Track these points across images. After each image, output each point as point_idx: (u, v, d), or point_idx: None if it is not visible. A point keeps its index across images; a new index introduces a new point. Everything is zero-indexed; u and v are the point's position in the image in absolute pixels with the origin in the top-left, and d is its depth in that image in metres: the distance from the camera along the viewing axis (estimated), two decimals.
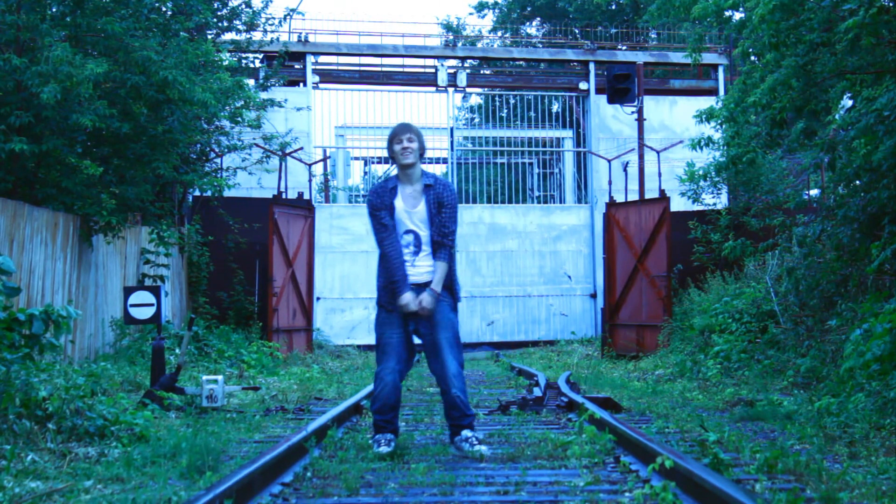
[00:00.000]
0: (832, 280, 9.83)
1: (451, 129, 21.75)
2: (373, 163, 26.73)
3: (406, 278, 5.72)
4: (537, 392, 8.81)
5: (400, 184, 5.86)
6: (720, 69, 21.78)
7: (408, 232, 5.79)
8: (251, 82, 16.88)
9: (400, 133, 5.84)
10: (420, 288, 5.73)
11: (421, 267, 5.78)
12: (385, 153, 24.61)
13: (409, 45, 21.67)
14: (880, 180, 8.87)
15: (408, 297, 5.69)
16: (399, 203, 5.80)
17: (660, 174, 17.62)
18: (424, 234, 5.79)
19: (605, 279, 16.39)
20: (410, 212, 5.80)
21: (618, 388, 10.09)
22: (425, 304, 5.67)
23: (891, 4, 8.08)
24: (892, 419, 6.11)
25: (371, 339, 21.03)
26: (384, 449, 5.53)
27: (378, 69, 21.79)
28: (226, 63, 14.14)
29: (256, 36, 16.97)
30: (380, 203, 5.80)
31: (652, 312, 15.08)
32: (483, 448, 5.59)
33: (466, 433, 5.66)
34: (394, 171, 5.99)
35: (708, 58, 20.89)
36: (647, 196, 16.90)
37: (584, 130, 22.20)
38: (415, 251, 5.78)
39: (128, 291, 8.58)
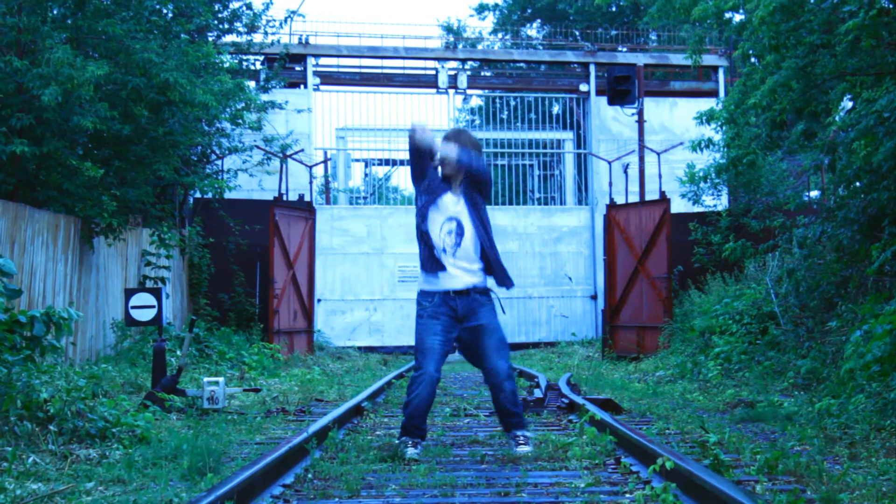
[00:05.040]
0: (832, 281, 9.83)
1: None
2: (373, 164, 26.74)
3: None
4: (538, 393, 8.81)
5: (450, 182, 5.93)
6: (720, 71, 21.79)
7: (451, 219, 5.79)
8: (252, 84, 16.89)
9: (448, 139, 5.89)
10: (460, 296, 5.73)
11: (459, 267, 5.76)
12: (386, 154, 24.83)
13: (410, 47, 21.68)
14: (880, 182, 8.88)
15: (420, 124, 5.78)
16: (448, 196, 5.83)
17: (660, 176, 17.62)
18: (468, 227, 5.78)
19: (606, 281, 16.39)
20: (453, 204, 5.82)
21: (618, 390, 10.09)
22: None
23: (891, 6, 8.09)
24: (893, 420, 6.11)
25: (372, 341, 21.06)
26: (412, 451, 5.53)
27: (379, 71, 21.80)
28: (226, 65, 14.14)
29: (257, 38, 16.98)
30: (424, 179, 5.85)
31: (652, 314, 15.09)
32: (522, 449, 5.68)
33: (516, 432, 5.79)
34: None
35: (708, 59, 20.89)
36: (648, 198, 16.90)
37: (584, 132, 22.20)
38: (457, 241, 5.76)
39: (129, 293, 8.58)
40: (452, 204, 5.83)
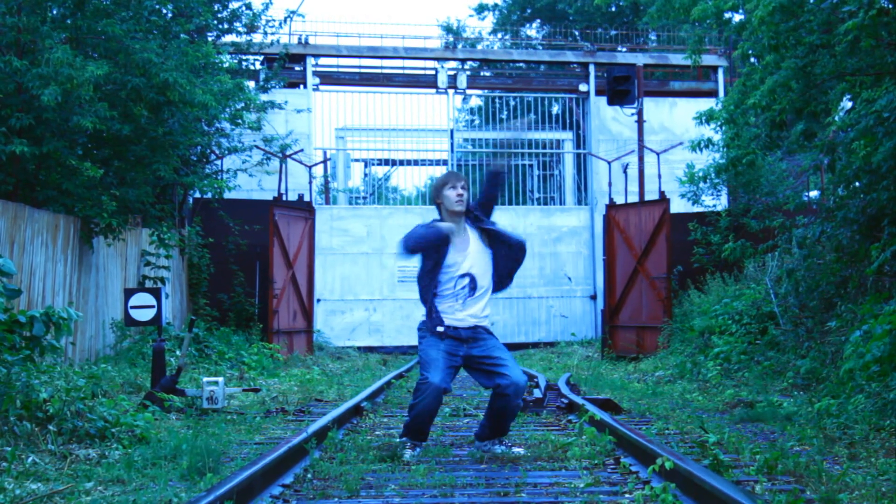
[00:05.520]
0: (832, 281, 9.83)
1: (451, 131, 21.76)
2: (373, 164, 26.74)
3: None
4: (537, 393, 8.81)
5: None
6: (720, 71, 21.79)
7: (463, 276, 5.76)
8: (251, 84, 16.89)
9: (455, 180, 5.84)
10: (466, 331, 5.74)
11: (466, 314, 5.76)
12: (386, 154, 24.83)
13: (410, 47, 21.68)
14: (880, 182, 8.88)
15: (445, 225, 5.73)
16: (455, 251, 5.77)
17: (659, 176, 17.63)
18: (483, 278, 5.77)
19: (605, 281, 16.39)
20: (465, 253, 5.78)
21: (618, 390, 10.09)
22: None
23: (890, 6, 8.08)
24: (892, 420, 6.11)
25: (371, 341, 21.02)
26: (409, 453, 5.58)
27: (378, 71, 21.80)
28: (226, 65, 14.15)
29: (257, 38, 16.99)
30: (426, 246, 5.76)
31: (652, 314, 15.09)
32: (520, 450, 5.75)
33: (503, 437, 5.88)
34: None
35: (708, 59, 20.89)
36: (647, 198, 16.90)
37: (583, 132, 22.20)
38: (469, 293, 5.76)
39: (128, 293, 8.58)
40: (462, 255, 5.78)
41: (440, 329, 5.72)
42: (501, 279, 5.92)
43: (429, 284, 5.79)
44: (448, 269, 5.75)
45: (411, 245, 5.69)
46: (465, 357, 5.77)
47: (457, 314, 5.75)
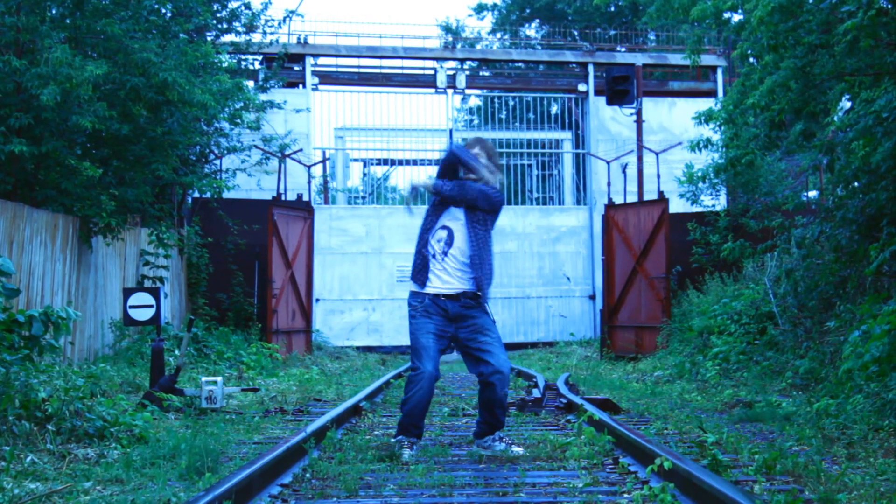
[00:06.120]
0: (831, 281, 9.83)
1: (451, 131, 21.74)
2: (372, 164, 26.72)
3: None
4: (536, 393, 8.81)
5: None
6: (719, 71, 21.79)
7: (443, 228, 5.87)
8: (250, 84, 16.88)
9: (473, 144, 6.04)
10: (450, 299, 5.77)
11: (447, 272, 5.79)
12: (385, 154, 24.83)
13: (409, 47, 21.67)
14: (879, 182, 8.88)
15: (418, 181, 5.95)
16: (452, 209, 5.91)
17: (658, 176, 17.63)
18: (459, 239, 5.82)
19: (604, 281, 16.40)
20: (454, 213, 5.88)
21: (616, 390, 10.10)
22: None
23: (889, 6, 8.09)
24: (891, 420, 6.12)
25: (370, 341, 21.00)
26: (408, 453, 5.55)
27: (377, 71, 21.79)
28: (225, 65, 14.14)
29: (256, 38, 16.97)
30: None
31: (651, 314, 15.09)
32: (520, 449, 5.73)
33: (500, 433, 5.84)
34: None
35: (707, 59, 20.88)
36: (646, 198, 16.91)
37: (582, 132, 22.20)
38: (444, 249, 5.82)
39: (127, 293, 8.58)
40: (452, 216, 5.89)
41: (422, 291, 5.78)
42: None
43: (424, 234, 5.90)
44: (437, 222, 5.89)
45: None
46: (453, 338, 5.82)
47: (439, 274, 5.78)
